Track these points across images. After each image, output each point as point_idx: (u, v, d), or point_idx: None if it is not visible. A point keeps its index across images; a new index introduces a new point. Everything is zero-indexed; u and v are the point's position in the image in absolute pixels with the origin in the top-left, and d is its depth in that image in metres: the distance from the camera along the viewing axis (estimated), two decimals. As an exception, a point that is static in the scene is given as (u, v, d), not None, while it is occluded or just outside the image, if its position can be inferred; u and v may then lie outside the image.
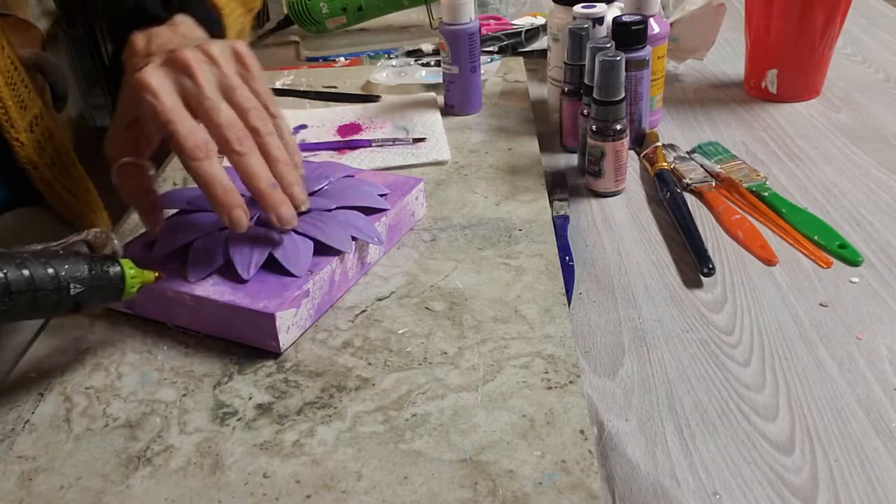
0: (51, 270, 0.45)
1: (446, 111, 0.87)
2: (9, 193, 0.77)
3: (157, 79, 0.51)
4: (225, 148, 0.52)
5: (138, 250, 0.58)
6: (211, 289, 0.53)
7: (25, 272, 0.44)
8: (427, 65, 1.00)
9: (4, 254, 0.44)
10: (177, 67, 0.52)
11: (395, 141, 0.80)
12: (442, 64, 0.86)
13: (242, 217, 0.51)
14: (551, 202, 0.71)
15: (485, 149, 0.79)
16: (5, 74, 0.72)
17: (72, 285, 0.46)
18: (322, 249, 0.55)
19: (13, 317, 0.44)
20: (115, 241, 0.49)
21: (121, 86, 0.55)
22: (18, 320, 0.46)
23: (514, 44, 1.08)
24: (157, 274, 0.51)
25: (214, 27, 0.63)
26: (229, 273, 0.54)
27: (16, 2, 0.70)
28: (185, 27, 0.60)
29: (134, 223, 0.70)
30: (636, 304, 0.60)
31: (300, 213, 0.58)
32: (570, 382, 0.48)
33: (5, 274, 0.43)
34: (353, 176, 0.66)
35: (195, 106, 0.52)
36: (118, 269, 0.48)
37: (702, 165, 0.78)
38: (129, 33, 0.59)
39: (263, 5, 1.82)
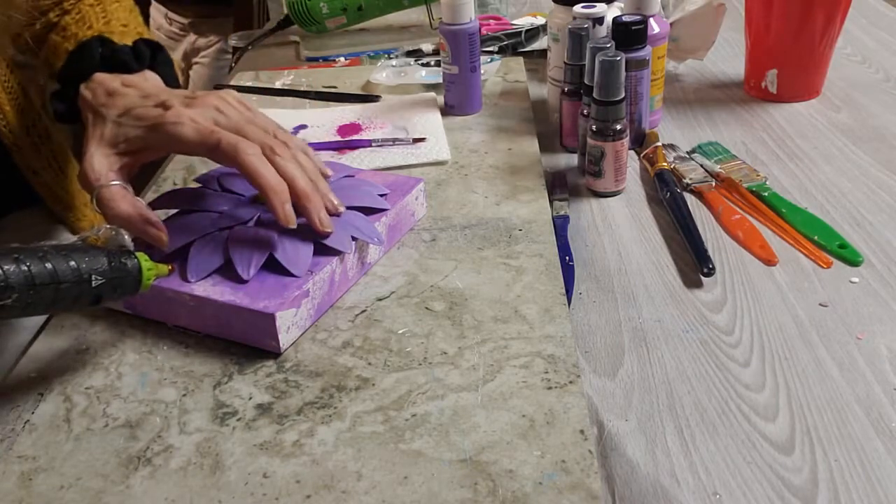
0: (72, 263, 0.45)
1: (446, 111, 0.87)
2: (5, 198, 0.77)
3: (195, 113, 0.55)
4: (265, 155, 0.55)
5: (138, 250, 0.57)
6: (211, 289, 0.53)
7: (48, 265, 0.44)
8: (427, 65, 1.00)
9: (26, 248, 0.44)
10: (201, 105, 0.56)
11: (395, 141, 0.80)
12: (442, 64, 0.86)
13: (291, 212, 0.54)
14: (551, 202, 0.71)
15: (485, 149, 0.79)
16: (0, 78, 0.72)
17: (93, 277, 0.46)
18: (322, 249, 0.55)
19: (37, 309, 0.45)
20: (126, 237, 0.50)
21: (82, 115, 0.58)
22: (41, 313, 0.46)
23: (514, 44, 1.08)
24: (170, 266, 0.52)
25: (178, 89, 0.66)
26: (229, 273, 0.54)
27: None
28: (153, 80, 0.62)
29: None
30: (636, 304, 0.60)
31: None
32: (570, 382, 0.48)
33: (29, 267, 0.43)
34: (353, 176, 0.66)
35: (226, 130, 0.55)
36: (135, 261, 0.49)
37: (702, 165, 0.78)
38: (91, 75, 0.60)
39: (263, 5, 1.83)
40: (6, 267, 0.42)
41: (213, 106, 0.56)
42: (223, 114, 0.56)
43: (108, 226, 0.50)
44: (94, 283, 0.46)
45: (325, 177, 0.60)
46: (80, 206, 0.81)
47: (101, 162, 0.55)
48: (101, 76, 0.60)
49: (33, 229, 0.79)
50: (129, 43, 0.66)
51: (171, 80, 0.65)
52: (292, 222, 0.53)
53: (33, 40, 0.71)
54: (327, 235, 0.55)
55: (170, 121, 0.54)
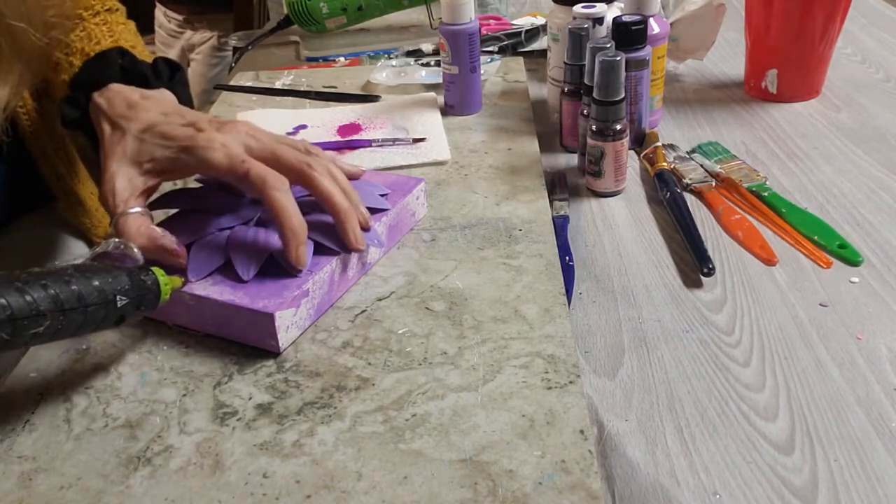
0: (97, 283, 0.45)
1: (446, 111, 0.87)
2: (22, 199, 0.78)
3: (229, 139, 0.54)
4: (300, 175, 0.55)
5: (123, 253, 0.57)
6: (211, 288, 0.53)
7: (74, 288, 0.44)
8: (427, 65, 1.00)
9: (50, 272, 0.44)
10: (233, 131, 0.55)
11: (395, 141, 0.80)
12: (442, 64, 0.86)
13: (304, 254, 0.53)
14: (551, 202, 0.71)
15: (485, 149, 0.79)
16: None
17: (118, 297, 0.46)
18: (322, 249, 0.55)
19: (65, 333, 0.44)
20: (136, 250, 0.50)
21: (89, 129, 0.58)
22: (69, 337, 0.46)
23: (514, 44, 1.08)
24: (183, 279, 0.52)
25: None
26: (229, 273, 0.54)
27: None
28: (168, 98, 0.61)
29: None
30: (636, 304, 0.60)
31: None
32: (570, 382, 0.48)
33: (57, 292, 0.43)
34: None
35: (259, 156, 0.55)
36: (153, 276, 0.49)
37: (702, 165, 0.78)
38: (107, 83, 0.60)
39: (263, 5, 1.83)
40: (35, 294, 0.42)
41: (245, 132, 0.56)
42: (255, 138, 0.55)
43: (117, 240, 0.50)
44: (119, 303, 0.46)
45: (356, 177, 0.60)
46: (95, 212, 0.81)
47: (124, 185, 0.54)
48: (118, 87, 0.59)
49: (43, 230, 0.79)
50: (149, 60, 0.65)
51: (185, 101, 0.64)
52: (303, 265, 0.53)
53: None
54: (361, 251, 0.56)
55: (201, 144, 0.54)
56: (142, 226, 0.53)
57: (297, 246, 0.52)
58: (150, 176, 0.55)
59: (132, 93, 0.59)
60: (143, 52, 0.70)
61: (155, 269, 0.50)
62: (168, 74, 0.65)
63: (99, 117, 0.58)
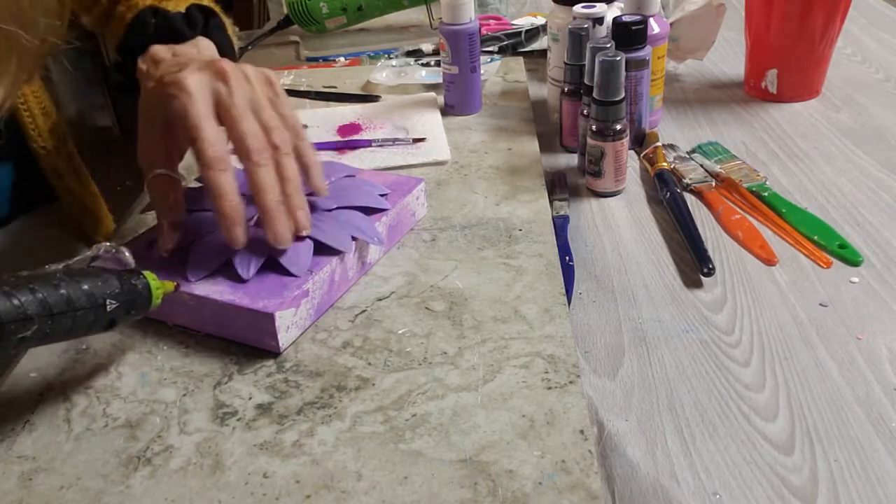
0: (86, 287, 0.45)
1: (446, 111, 0.87)
2: (18, 206, 0.78)
3: (194, 81, 0.52)
4: (243, 156, 0.52)
5: (139, 250, 0.58)
6: (211, 288, 0.53)
7: (63, 292, 0.43)
8: (427, 65, 1.00)
9: (38, 275, 0.43)
10: (215, 74, 0.53)
11: (395, 141, 0.80)
12: (442, 64, 0.86)
13: (241, 235, 0.52)
14: (551, 202, 0.71)
15: (485, 149, 0.79)
16: (32, 87, 0.72)
17: (108, 302, 0.45)
18: (322, 249, 0.55)
19: (54, 338, 0.44)
20: (127, 254, 0.50)
21: (139, 94, 0.56)
22: (58, 341, 0.45)
23: (514, 44, 1.08)
24: (176, 283, 0.51)
25: (233, 57, 0.64)
26: (229, 272, 0.54)
27: (17, 2, 0.71)
28: (206, 49, 0.61)
29: (134, 223, 0.70)
30: (636, 304, 0.60)
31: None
32: (570, 382, 0.48)
33: (45, 296, 0.42)
34: (353, 176, 0.66)
35: (223, 112, 0.53)
36: (144, 280, 0.49)
37: (702, 165, 0.78)
38: (147, 46, 0.59)
39: (263, 5, 1.83)
40: (23, 298, 0.41)
41: (227, 75, 0.53)
42: (230, 90, 0.53)
43: (107, 244, 0.50)
44: (108, 307, 0.46)
45: (318, 192, 0.57)
46: (96, 212, 0.81)
47: (145, 146, 0.54)
48: (155, 48, 0.58)
49: (44, 230, 0.79)
50: (182, 9, 0.64)
51: (225, 46, 0.63)
52: (238, 244, 0.52)
53: (102, 15, 0.70)
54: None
55: (169, 92, 0.52)
56: (166, 189, 0.53)
57: (229, 228, 0.52)
58: (162, 135, 0.54)
59: (165, 52, 0.58)
60: (179, 2, 0.69)
61: (147, 273, 0.49)
62: (203, 21, 0.64)
63: (141, 82, 0.57)
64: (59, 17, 0.62)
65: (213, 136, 0.51)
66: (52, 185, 0.77)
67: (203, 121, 0.51)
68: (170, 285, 0.51)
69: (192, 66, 0.53)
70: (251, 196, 0.61)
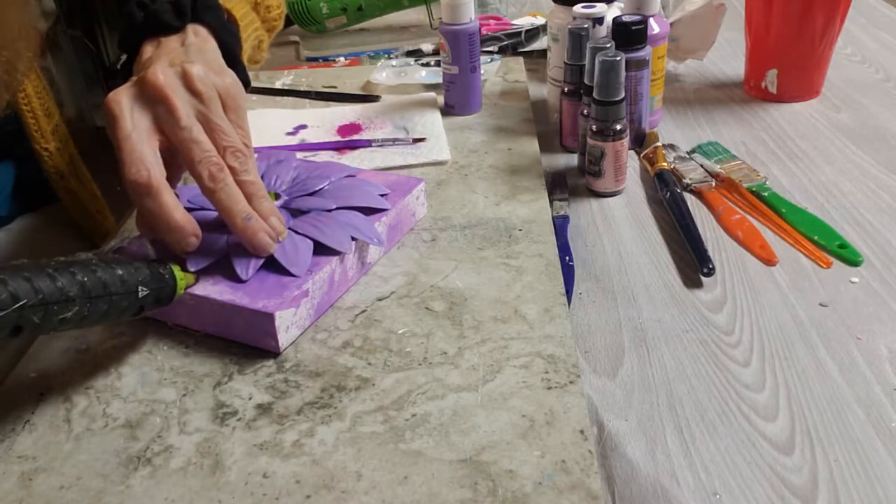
0: (120, 273, 0.46)
1: (446, 111, 0.87)
2: (19, 206, 0.78)
3: (121, 101, 0.50)
4: (199, 182, 0.51)
5: (140, 249, 0.57)
6: (210, 288, 0.53)
7: (100, 276, 0.44)
8: (427, 65, 1.00)
9: (77, 261, 0.44)
10: (149, 92, 0.50)
11: (395, 141, 0.80)
12: (442, 64, 0.86)
13: (193, 244, 0.51)
14: (551, 202, 0.71)
15: (485, 149, 0.79)
16: (34, 84, 0.72)
17: (140, 288, 0.47)
18: (322, 249, 0.55)
19: (90, 321, 0.45)
20: (149, 246, 0.50)
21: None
22: (93, 325, 0.47)
23: (514, 44, 1.07)
24: (196, 276, 0.52)
25: (230, 38, 0.62)
26: (229, 272, 0.54)
27: (15, 1, 0.71)
28: (197, 38, 0.58)
29: (134, 223, 0.70)
30: (636, 304, 0.60)
31: (301, 214, 0.58)
32: (570, 382, 0.48)
33: (84, 280, 0.43)
34: (353, 176, 0.66)
35: (169, 134, 0.50)
36: (170, 270, 0.50)
37: (702, 165, 0.78)
38: (141, 42, 0.58)
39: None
40: (65, 280, 0.43)
41: (163, 93, 0.50)
42: (171, 109, 0.49)
43: (132, 237, 0.50)
44: (140, 293, 0.47)
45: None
46: (96, 214, 0.81)
47: (145, 157, 0.51)
48: (143, 47, 0.57)
49: (45, 230, 0.79)
50: None
51: (219, 29, 0.61)
52: (189, 248, 0.52)
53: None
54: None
55: (103, 113, 0.50)
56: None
57: (178, 242, 0.51)
58: (150, 139, 0.52)
59: (150, 50, 0.57)
60: None
61: (172, 264, 0.50)
62: (191, 4, 0.62)
63: None
64: (17, 55, 0.61)
65: (135, 159, 0.48)
66: (52, 186, 0.77)
67: (124, 143, 0.49)
68: (191, 277, 0.52)
69: (125, 85, 0.51)
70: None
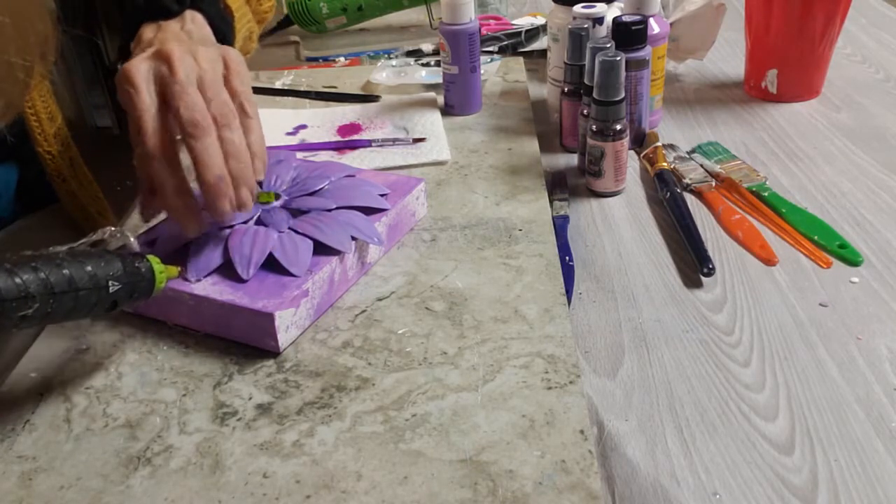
0: (89, 268, 0.45)
1: (446, 111, 0.87)
2: (22, 207, 0.78)
3: (139, 71, 0.51)
4: (182, 132, 0.51)
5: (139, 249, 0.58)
6: (210, 288, 0.53)
7: (65, 272, 0.44)
8: (427, 65, 1.00)
9: (42, 255, 0.44)
10: (160, 58, 0.52)
11: (395, 141, 0.80)
12: (442, 64, 0.86)
13: (194, 228, 0.52)
14: (551, 202, 0.71)
15: (485, 149, 0.79)
16: (38, 87, 0.72)
17: (110, 283, 0.46)
18: (322, 249, 0.55)
19: (56, 318, 0.44)
20: (132, 239, 0.50)
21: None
22: (60, 321, 0.46)
23: (514, 44, 1.07)
24: (179, 268, 0.51)
25: (225, 27, 0.63)
26: (229, 272, 0.54)
27: (17, 2, 0.71)
28: (194, 25, 0.60)
29: (134, 223, 0.70)
30: (636, 304, 0.60)
31: (301, 214, 0.59)
32: (570, 382, 0.48)
33: (47, 275, 0.43)
34: (353, 176, 0.66)
35: (166, 94, 0.51)
36: (148, 264, 0.49)
37: (702, 165, 0.78)
38: (140, 24, 0.59)
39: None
40: (25, 276, 0.42)
41: (171, 58, 0.52)
42: (172, 70, 0.51)
43: (112, 228, 0.50)
44: (111, 288, 0.46)
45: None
46: (97, 216, 0.81)
47: (153, 131, 0.52)
48: (143, 28, 0.58)
49: (45, 231, 0.79)
50: None
51: (216, 17, 0.62)
52: (190, 233, 0.53)
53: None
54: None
55: (121, 83, 0.51)
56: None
57: (181, 219, 0.52)
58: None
59: (151, 32, 0.57)
60: None
61: (150, 257, 0.49)
62: None
63: None
64: (26, 55, 0.62)
65: (150, 128, 0.51)
66: (54, 188, 0.77)
67: (144, 113, 0.51)
68: (173, 270, 0.51)
69: (142, 55, 0.52)
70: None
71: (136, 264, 0.48)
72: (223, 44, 0.61)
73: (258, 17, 0.81)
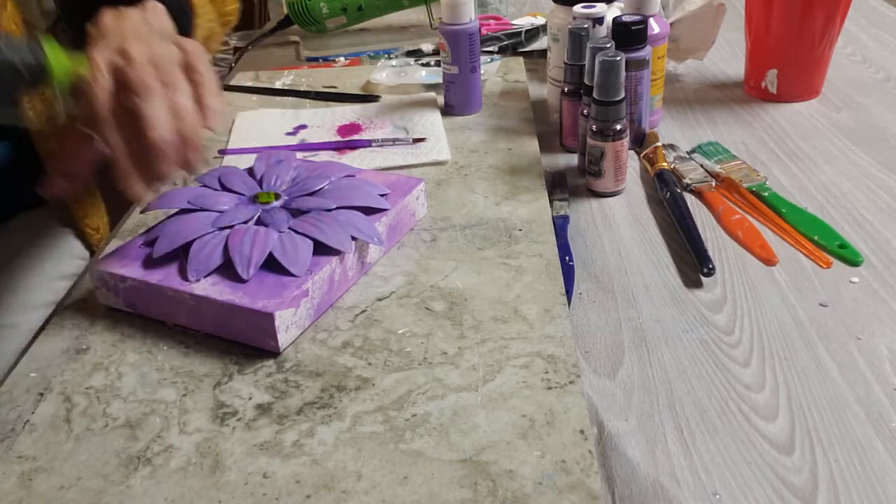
0: None
1: (446, 111, 0.87)
2: (17, 203, 0.78)
3: (101, 60, 0.51)
4: (132, 95, 0.51)
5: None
6: (210, 288, 0.53)
7: None
8: (427, 65, 1.00)
9: None
10: (119, 53, 0.52)
11: (395, 141, 0.80)
12: (442, 64, 0.86)
13: (140, 190, 0.52)
14: (551, 202, 0.71)
15: (485, 149, 0.79)
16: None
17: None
18: (322, 249, 0.55)
19: None
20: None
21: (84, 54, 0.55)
22: None
23: (514, 44, 1.07)
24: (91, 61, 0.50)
25: (184, 21, 0.63)
26: (229, 272, 0.54)
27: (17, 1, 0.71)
28: (154, 15, 0.59)
29: (134, 223, 0.70)
30: (636, 304, 0.60)
31: (301, 214, 0.59)
32: (570, 382, 0.48)
33: None
34: (353, 176, 0.66)
35: (119, 76, 0.51)
36: (41, 47, 0.47)
37: (702, 165, 0.78)
38: (99, 8, 0.58)
39: (263, 6, 1.83)
40: None
41: (124, 53, 0.52)
42: (128, 57, 0.51)
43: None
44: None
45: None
46: (95, 214, 0.81)
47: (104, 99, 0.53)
48: (103, 12, 0.57)
49: (43, 229, 0.79)
50: None
51: (175, 9, 0.62)
52: (137, 197, 0.52)
53: None
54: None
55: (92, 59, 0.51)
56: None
57: (125, 182, 0.51)
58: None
59: (111, 19, 0.57)
60: None
61: (50, 45, 0.48)
62: None
63: (87, 46, 0.56)
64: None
65: (104, 96, 0.51)
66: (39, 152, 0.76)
67: (101, 91, 0.51)
68: (82, 63, 0.50)
69: (97, 45, 0.53)
70: (252, 196, 0.61)
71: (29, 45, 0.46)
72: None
73: (222, 18, 0.80)
